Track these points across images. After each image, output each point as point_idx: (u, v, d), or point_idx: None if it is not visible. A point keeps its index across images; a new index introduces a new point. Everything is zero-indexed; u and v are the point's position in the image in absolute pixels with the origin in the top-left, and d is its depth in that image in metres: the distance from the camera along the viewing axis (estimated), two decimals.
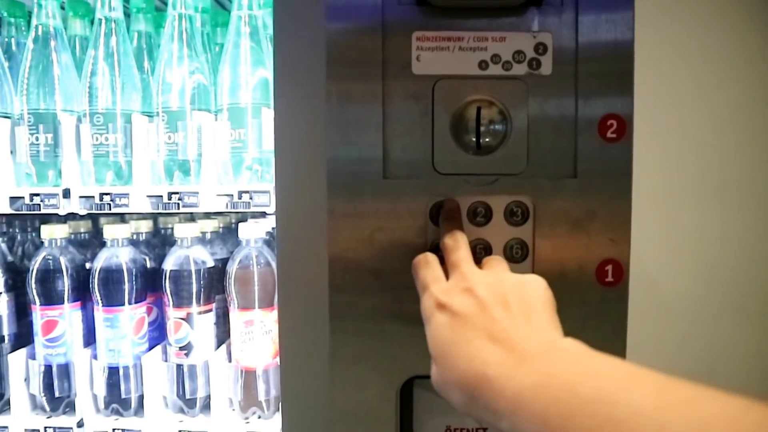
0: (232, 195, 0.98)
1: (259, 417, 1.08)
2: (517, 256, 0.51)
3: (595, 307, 0.52)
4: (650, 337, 0.70)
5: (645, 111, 0.67)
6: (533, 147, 0.50)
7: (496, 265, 0.45)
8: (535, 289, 0.42)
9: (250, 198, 0.97)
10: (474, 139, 0.50)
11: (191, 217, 1.37)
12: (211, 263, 1.14)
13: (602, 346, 0.52)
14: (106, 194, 1.01)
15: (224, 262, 1.14)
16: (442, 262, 0.46)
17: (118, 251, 1.10)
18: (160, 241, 1.34)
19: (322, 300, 0.52)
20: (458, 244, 0.46)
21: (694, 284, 0.70)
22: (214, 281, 1.14)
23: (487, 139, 0.50)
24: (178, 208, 1.00)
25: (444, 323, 0.40)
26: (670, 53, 0.69)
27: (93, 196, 1.02)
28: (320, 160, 0.51)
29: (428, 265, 0.46)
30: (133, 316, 1.11)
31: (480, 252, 0.51)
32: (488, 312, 0.39)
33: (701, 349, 0.71)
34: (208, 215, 1.30)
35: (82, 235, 1.29)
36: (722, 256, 0.70)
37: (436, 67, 0.50)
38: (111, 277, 1.09)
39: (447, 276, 0.44)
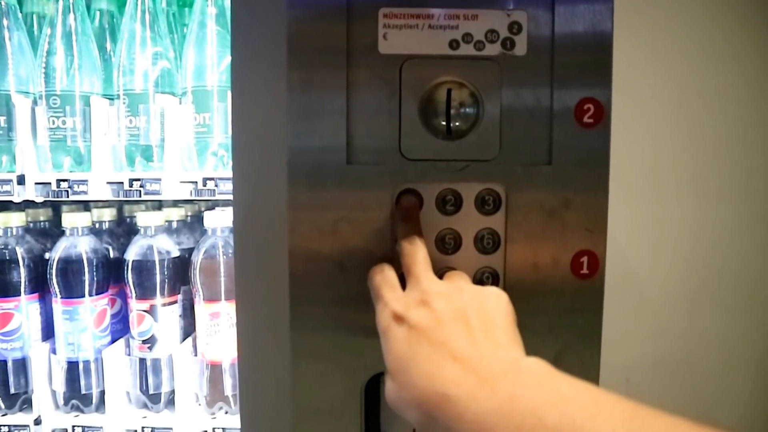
0: (197, 182, 0.94)
1: (226, 412, 1.05)
2: (489, 247, 0.48)
3: (569, 300, 0.50)
4: (628, 328, 0.69)
5: (624, 101, 0.65)
6: (506, 132, 0.47)
7: (457, 278, 0.42)
8: (496, 303, 0.40)
9: (216, 185, 0.93)
10: (444, 123, 0.47)
11: (159, 206, 1.32)
12: (176, 253, 1.10)
13: (577, 340, 0.51)
14: (64, 180, 0.97)
15: (191, 252, 1.10)
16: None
17: (77, 240, 1.06)
18: (125, 231, 1.29)
19: (283, 293, 0.48)
20: (415, 250, 0.43)
21: (672, 275, 0.69)
22: (180, 272, 1.10)
23: (457, 123, 0.47)
24: (140, 196, 0.96)
25: (401, 337, 0.38)
26: (649, 42, 0.67)
27: (49, 183, 0.97)
28: (281, 145, 0.48)
29: (383, 275, 0.43)
30: (93, 308, 1.07)
31: (449, 242, 0.48)
32: (446, 327, 0.37)
33: (678, 339, 0.70)
34: (176, 203, 1.26)
35: (42, 223, 1.24)
36: (700, 246, 0.68)
37: (404, 47, 0.47)
38: (70, 267, 1.04)
39: (403, 283, 0.42)
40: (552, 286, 0.49)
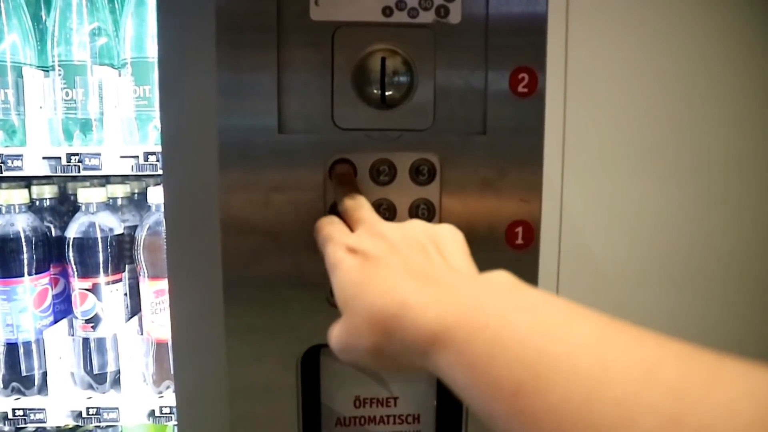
0: (138, 157, 0.91)
1: (174, 391, 1.04)
2: (423, 217, 0.48)
3: (504, 269, 0.50)
4: (584, 302, 0.70)
5: (579, 78, 0.65)
6: (440, 101, 0.47)
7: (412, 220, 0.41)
8: (451, 235, 0.38)
9: (157, 160, 0.90)
10: (377, 92, 0.46)
11: (105, 182, 1.28)
12: (119, 230, 1.07)
13: None
14: None
15: (136, 229, 1.07)
16: None
17: (14, 218, 1.02)
18: (68, 209, 1.25)
19: (216, 269, 0.47)
20: (360, 203, 0.42)
21: (626, 251, 0.71)
22: (124, 250, 1.07)
23: (391, 92, 0.46)
24: (79, 171, 0.92)
25: (354, 266, 0.36)
26: (604, 18, 0.67)
27: None
28: (210, 114, 0.46)
29: (331, 221, 0.42)
30: (33, 288, 1.03)
31: (384, 213, 0.47)
32: (402, 252, 0.35)
33: (632, 314, 0.72)
34: (124, 180, 1.22)
35: None
36: (653, 223, 0.70)
37: (337, 13, 0.46)
38: (6, 246, 1.00)
39: None
40: (487, 256, 0.49)
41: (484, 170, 0.48)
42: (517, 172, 0.48)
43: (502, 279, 0.31)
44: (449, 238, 0.38)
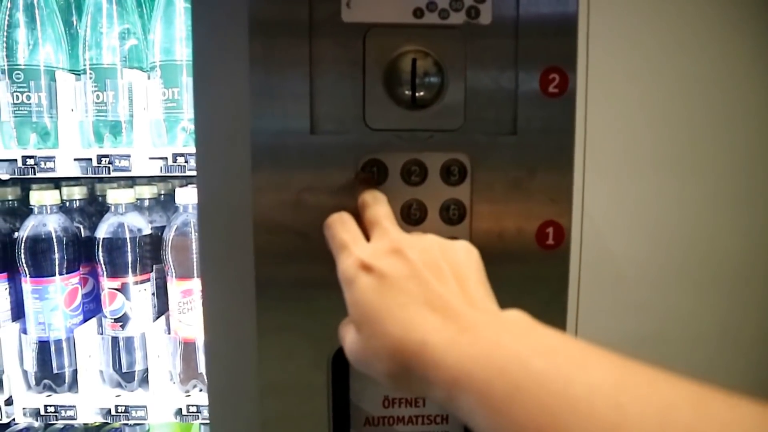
0: (167, 158, 0.92)
1: (200, 390, 1.05)
2: (454, 218, 0.48)
3: (534, 270, 0.50)
4: (605, 305, 0.69)
5: (602, 79, 0.65)
6: (471, 102, 0.47)
7: (428, 235, 0.41)
8: (467, 257, 0.38)
9: (186, 161, 0.92)
10: (408, 93, 0.46)
11: (132, 184, 1.30)
12: (147, 230, 1.08)
13: (543, 310, 0.51)
14: (30, 157, 0.94)
15: (164, 230, 1.09)
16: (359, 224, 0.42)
17: (46, 219, 1.04)
18: (97, 210, 1.27)
19: (249, 269, 0.48)
20: (379, 203, 0.42)
21: (648, 253, 0.70)
22: (152, 250, 1.09)
23: (422, 93, 0.47)
24: (109, 173, 0.94)
25: (371, 286, 0.36)
26: (628, 20, 0.66)
27: (15, 160, 0.95)
28: (245, 116, 0.47)
29: (344, 223, 0.42)
30: (64, 287, 1.05)
31: (414, 213, 0.48)
32: (422, 276, 0.35)
33: (653, 315, 0.71)
34: (150, 182, 1.24)
35: (9, 202, 1.21)
36: (675, 225, 0.69)
37: (368, 15, 0.46)
38: (39, 246, 1.02)
39: (366, 236, 0.41)
40: (517, 256, 0.49)
41: (514, 170, 0.48)
42: (547, 173, 0.48)
43: (518, 319, 0.32)
44: (465, 261, 0.38)
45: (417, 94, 0.47)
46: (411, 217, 0.48)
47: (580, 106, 0.65)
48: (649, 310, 0.70)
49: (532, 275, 0.49)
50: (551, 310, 0.51)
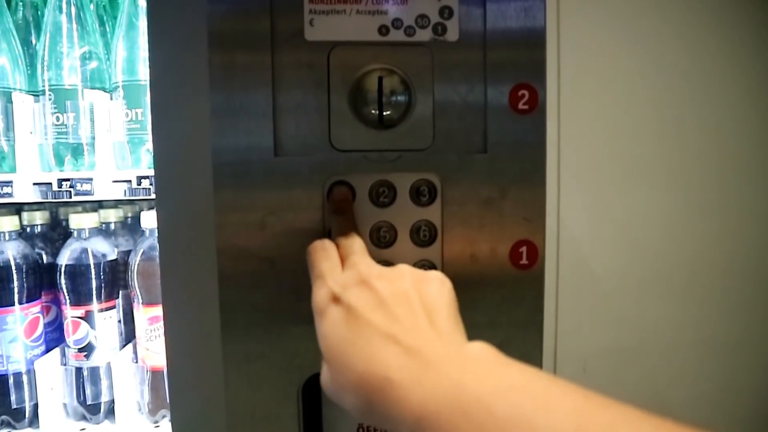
0: (131, 181, 0.90)
1: (170, 420, 1.01)
2: (425, 239, 0.47)
3: (509, 290, 0.49)
4: (583, 317, 0.69)
5: (573, 92, 0.65)
6: (439, 120, 0.46)
7: (398, 265, 0.40)
8: (439, 289, 0.37)
9: (151, 183, 0.89)
10: (375, 112, 0.45)
11: (98, 207, 1.26)
12: (113, 256, 1.05)
13: (519, 330, 0.50)
14: None
15: (130, 254, 1.05)
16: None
17: (4, 245, 1.00)
18: (60, 235, 1.23)
19: (213, 295, 0.46)
20: (351, 240, 0.41)
21: (625, 264, 0.70)
22: (118, 276, 1.05)
23: (389, 112, 0.45)
24: (71, 197, 0.91)
25: (338, 319, 0.36)
26: (597, 33, 0.66)
27: None
28: (204, 137, 0.45)
29: (325, 251, 0.41)
30: (24, 317, 1.01)
31: (384, 235, 0.46)
32: (388, 308, 0.35)
33: (632, 327, 0.71)
34: (117, 205, 1.20)
35: None
36: (651, 235, 0.69)
37: (332, 33, 0.45)
38: None
39: None
40: (491, 277, 0.48)
41: (485, 189, 0.47)
42: (519, 191, 0.47)
43: (481, 354, 0.33)
44: (436, 293, 0.37)
45: (384, 113, 0.45)
46: (381, 240, 0.46)
47: (553, 121, 0.65)
48: (629, 321, 0.70)
49: (507, 296, 0.48)
50: (527, 330, 0.50)
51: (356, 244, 0.41)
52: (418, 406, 0.30)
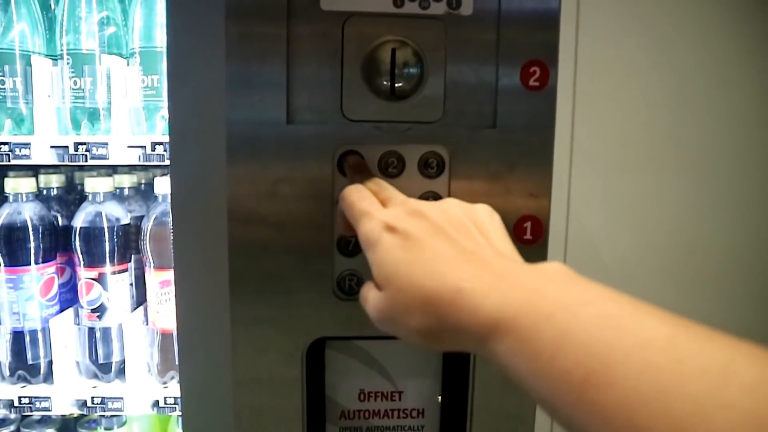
0: (145, 147, 0.91)
1: (178, 382, 1.04)
2: None
3: None
4: None
5: (591, 71, 0.65)
6: (450, 94, 0.47)
7: (448, 198, 0.40)
8: (490, 217, 0.37)
9: (165, 150, 0.90)
10: (387, 83, 0.46)
11: (112, 172, 1.28)
12: (126, 220, 1.07)
13: None
14: (4, 143, 0.92)
15: (143, 219, 1.07)
16: None
17: (21, 207, 1.02)
18: (75, 199, 1.25)
19: (223, 258, 0.47)
20: (383, 185, 0.41)
21: (632, 249, 0.70)
22: (130, 240, 1.07)
23: (400, 84, 0.46)
24: (86, 160, 0.92)
25: (396, 245, 0.34)
26: (615, 16, 0.66)
27: None
28: (219, 104, 0.46)
29: (360, 192, 0.40)
30: (40, 276, 1.03)
31: None
32: (448, 233, 0.34)
33: None
34: (130, 171, 1.22)
35: None
36: (659, 221, 0.69)
37: (347, 3, 0.46)
38: (13, 234, 1.00)
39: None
40: None
41: (493, 164, 0.47)
42: (526, 167, 0.48)
43: (559, 270, 0.30)
44: (488, 220, 0.37)
45: (396, 85, 0.46)
46: None
47: (568, 102, 0.65)
48: None
49: None
50: None
51: (392, 189, 0.41)
52: (496, 311, 0.28)
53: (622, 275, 0.70)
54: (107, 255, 1.03)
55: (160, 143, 0.91)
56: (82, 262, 1.03)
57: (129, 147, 0.91)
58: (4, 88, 0.94)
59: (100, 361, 1.04)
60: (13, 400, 1.02)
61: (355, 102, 0.46)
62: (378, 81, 0.46)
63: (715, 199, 0.69)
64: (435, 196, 0.47)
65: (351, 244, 0.47)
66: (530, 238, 0.49)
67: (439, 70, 0.46)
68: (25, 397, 1.02)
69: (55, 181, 1.13)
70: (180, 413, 1.02)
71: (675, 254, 0.70)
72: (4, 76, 0.93)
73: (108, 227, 1.03)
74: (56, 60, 0.98)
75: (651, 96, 0.67)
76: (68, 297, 1.12)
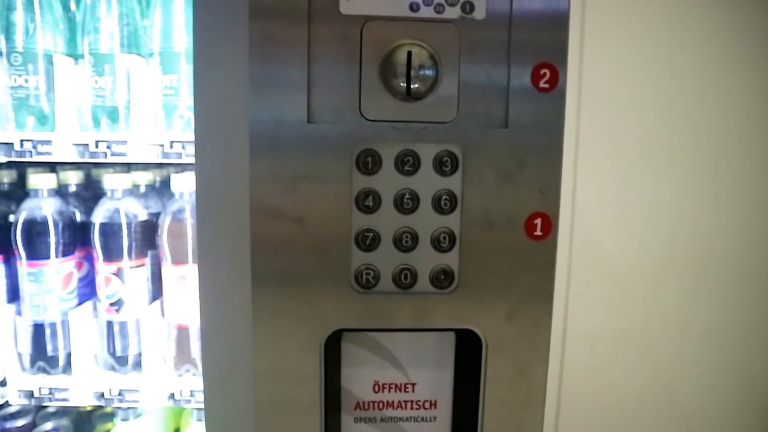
0: (163, 145, 0.93)
1: (194, 375, 1.06)
2: (446, 208, 0.49)
3: (523, 259, 0.51)
4: (593, 298, 0.70)
5: (597, 72, 0.66)
6: (464, 95, 0.48)
7: None
8: None
9: (183, 148, 0.92)
10: (403, 85, 0.48)
11: (128, 170, 1.30)
12: (143, 216, 1.09)
13: (530, 299, 0.53)
14: (27, 141, 0.95)
15: (159, 216, 1.09)
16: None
17: (42, 202, 1.04)
18: (92, 195, 1.28)
19: (244, 253, 0.49)
20: None
21: (636, 249, 0.71)
22: (147, 235, 1.10)
23: (416, 85, 0.48)
24: (106, 157, 0.95)
25: None
26: (623, 16, 0.67)
27: (12, 143, 0.95)
28: (243, 104, 0.48)
29: None
30: (59, 270, 1.06)
31: (407, 202, 0.49)
32: None
33: (640, 311, 0.72)
34: (146, 168, 1.24)
35: (6, 185, 1.22)
36: (664, 221, 0.70)
37: (366, 8, 0.47)
38: (34, 229, 1.03)
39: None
40: (506, 246, 0.50)
41: (505, 162, 0.49)
42: (536, 165, 0.49)
43: None
44: None
45: (412, 86, 0.48)
46: (404, 207, 0.49)
47: (573, 103, 0.66)
48: (637, 305, 0.71)
49: (520, 264, 0.51)
50: (538, 297, 0.52)
51: None
52: None
53: (628, 276, 0.71)
54: (125, 250, 1.06)
55: (178, 141, 0.93)
56: (101, 257, 1.06)
57: (148, 145, 0.94)
58: (28, 87, 0.96)
59: (118, 353, 1.07)
60: (32, 391, 1.05)
61: (373, 102, 0.48)
62: (395, 82, 0.48)
63: (723, 199, 0.70)
64: (449, 194, 0.49)
65: (368, 239, 0.49)
66: (540, 234, 0.51)
67: (453, 72, 0.48)
68: (44, 387, 1.05)
69: (73, 177, 1.15)
70: (195, 406, 1.05)
71: (679, 253, 0.71)
72: (27, 74, 0.96)
73: (126, 223, 1.05)
74: (77, 59, 1.01)
75: (655, 96, 0.68)
76: (86, 291, 1.15)
